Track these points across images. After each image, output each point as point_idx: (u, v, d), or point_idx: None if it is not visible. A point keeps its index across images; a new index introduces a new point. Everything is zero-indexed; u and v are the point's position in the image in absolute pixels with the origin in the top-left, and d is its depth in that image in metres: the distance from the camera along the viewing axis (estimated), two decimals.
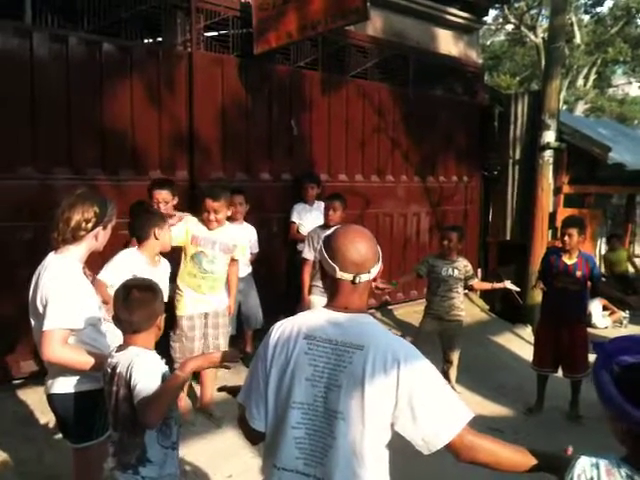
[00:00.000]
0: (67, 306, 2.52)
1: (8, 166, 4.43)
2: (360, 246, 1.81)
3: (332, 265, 1.80)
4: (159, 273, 3.74)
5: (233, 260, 4.58)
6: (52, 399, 2.72)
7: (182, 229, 4.32)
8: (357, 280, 1.80)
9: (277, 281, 6.06)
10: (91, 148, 4.84)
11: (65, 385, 2.65)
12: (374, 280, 1.88)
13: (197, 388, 4.70)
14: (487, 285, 6.02)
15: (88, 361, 2.54)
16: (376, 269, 1.84)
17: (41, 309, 2.55)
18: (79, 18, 4.92)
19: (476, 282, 5.66)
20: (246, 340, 5.59)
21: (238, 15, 5.75)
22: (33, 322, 2.65)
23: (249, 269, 5.51)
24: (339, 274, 1.80)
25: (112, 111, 4.92)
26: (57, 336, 2.49)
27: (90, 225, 2.66)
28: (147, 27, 5.59)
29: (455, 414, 1.72)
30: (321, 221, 5.78)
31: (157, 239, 3.73)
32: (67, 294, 2.54)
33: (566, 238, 5.06)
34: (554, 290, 5.19)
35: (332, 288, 1.86)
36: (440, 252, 5.48)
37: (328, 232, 1.97)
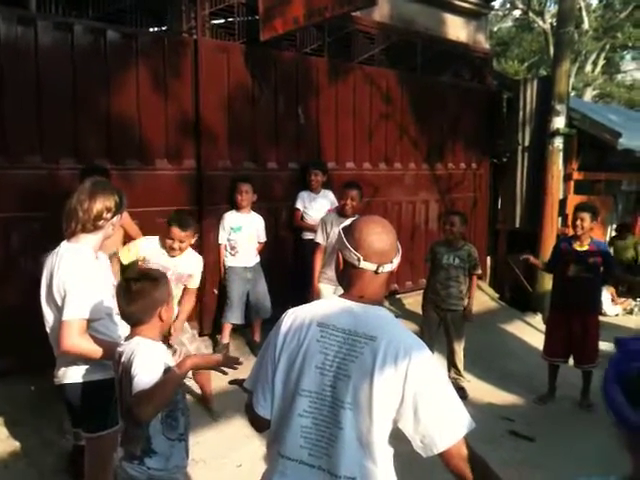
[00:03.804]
0: (85, 296, 2.53)
1: (15, 155, 4.41)
2: (384, 237, 1.83)
3: (355, 254, 1.80)
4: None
5: (187, 288, 4.29)
6: (65, 389, 2.71)
7: (132, 251, 4.11)
8: (380, 270, 1.81)
9: (285, 270, 6.03)
10: (97, 137, 4.81)
11: (78, 375, 2.65)
12: (392, 273, 1.88)
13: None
14: (472, 291, 5.41)
15: (103, 351, 2.54)
16: (397, 259, 1.86)
17: (59, 299, 2.55)
18: (84, 6, 4.88)
19: (475, 277, 5.41)
20: (254, 329, 5.58)
21: (244, 1, 5.69)
22: (48, 311, 2.65)
23: (257, 258, 5.49)
24: (363, 264, 1.80)
25: (118, 99, 4.89)
26: (76, 326, 2.49)
27: (110, 214, 2.67)
28: (152, 14, 5.54)
29: (457, 422, 1.69)
30: (326, 209, 5.76)
31: None
32: (85, 284, 2.54)
33: (578, 222, 4.99)
34: (566, 278, 5.13)
35: (351, 277, 1.85)
36: (445, 238, 5.39)
37: (346, 221, 1.96)
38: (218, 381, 4.49)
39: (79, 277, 2.53)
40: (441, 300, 5.24)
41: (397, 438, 1.73)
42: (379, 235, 1.81)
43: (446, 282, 5.22)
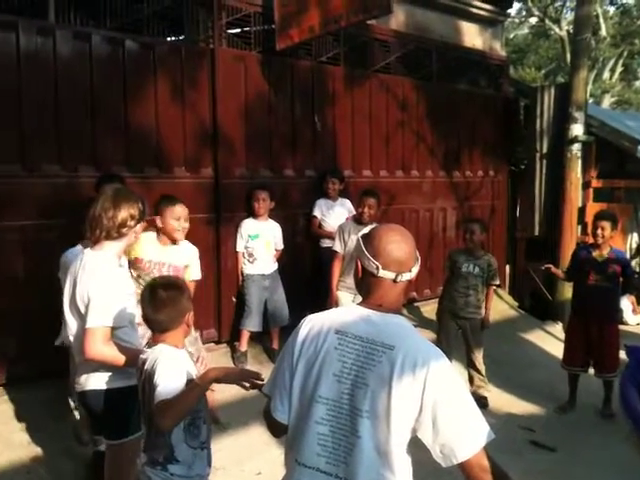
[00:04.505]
0: (109, 304, 2.53)
1: (33, 164, 4.44)
2: (403, 245, 1.81)
3: (374, 263, 1.78)
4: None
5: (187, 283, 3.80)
6: (86, 396, 2.71)
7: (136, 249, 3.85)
8: (399, 279, 1.79)
9: (302, 277, 6.02)
10: (116, 145, 4.84)
11: (101, 381, 2.65)
12: (411, 281, 1.86)
13: None
14: (489, 301, 5.37)
15: (126, 358, 2.55)
16: (416, 268, 1.83)
17: (82, 307, 2.55)
18: (102, 16, 4.93)
19: (492, 287, 5.37)
20: (272, 337, 5.57)
21: (260, 11, 5.72)
22: (71, 319, 2.65)
23: (275, 266, 5.48)
24: (381, 272, 1.78)
25: (136, 108, 4.92)
26: (100, 333, 2.50)
27: (134, 222, 2.69)
28: (169, 24, 5.59)
29: (476, 432, 1.67)
30: (344, 217, 5.75)
31: None
32: (109, 292, 2.54)
33: (598, 231, 4.94)
34: (585, 287, 5.07)
35: (369, 286, 1.83)
36: (465, 247, 5.35)
37: (364, 229, 1.95)
38: (236, 388, 4.50)
39: (103, 284, 2.54)
40: (459, 309, 5.19)
41: (417, 446, 1.70)
42: (398, 244, 1.80)
43: (465, 290, 5.17)
